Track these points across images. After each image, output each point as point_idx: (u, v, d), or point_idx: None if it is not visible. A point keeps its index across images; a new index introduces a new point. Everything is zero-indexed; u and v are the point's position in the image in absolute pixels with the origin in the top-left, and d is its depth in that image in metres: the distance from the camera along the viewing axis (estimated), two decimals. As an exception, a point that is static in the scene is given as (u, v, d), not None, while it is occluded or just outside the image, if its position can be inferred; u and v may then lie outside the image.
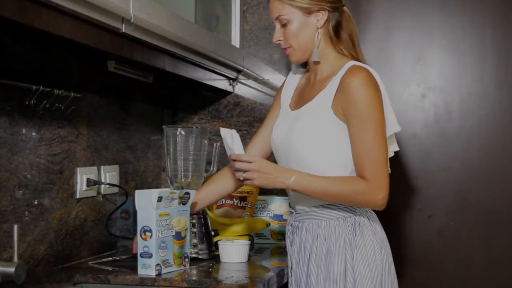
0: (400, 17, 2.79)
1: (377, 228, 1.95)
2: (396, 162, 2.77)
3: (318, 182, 1.85)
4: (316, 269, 1.91)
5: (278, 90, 2.18)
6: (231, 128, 1.95)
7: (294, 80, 2.11)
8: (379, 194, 1.84)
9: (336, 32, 1.96)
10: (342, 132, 1.89)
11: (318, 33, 1.94)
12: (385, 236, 1.98)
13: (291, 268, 2.00)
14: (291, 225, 2.02)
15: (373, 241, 1.91)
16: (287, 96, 2.08)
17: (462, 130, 2.74)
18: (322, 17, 1.93)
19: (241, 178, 1.87)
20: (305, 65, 2.09)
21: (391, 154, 1.98)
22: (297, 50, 1.96)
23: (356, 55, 1.98)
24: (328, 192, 1.86)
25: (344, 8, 1.98)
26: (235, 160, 1.87)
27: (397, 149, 2.03)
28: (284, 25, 1.94)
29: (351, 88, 1.85)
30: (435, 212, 2.75)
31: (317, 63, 1.97)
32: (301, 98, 2.01)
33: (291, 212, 2.03)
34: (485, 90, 2.73)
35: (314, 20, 1.93)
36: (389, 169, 1.92)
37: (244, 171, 1.85)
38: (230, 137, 1.90)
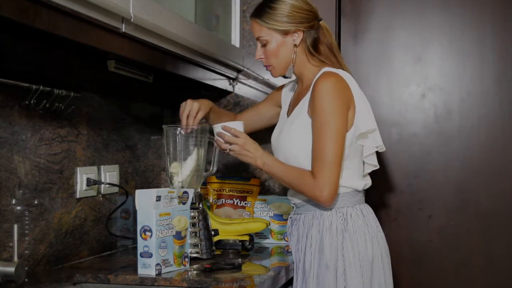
0: (400, 17, 2.79)
1: (371, 222, 2.10)
2: (397, 162, 2.78)
3: (279, 169, 2.08)
4: (310, 255, 2.09)
5: (277, 88, 2.41)
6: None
7: (291, 90, 2.31)
8: (322, 191, 1.99)
9: (315, 47, 2.12)
10: None
11: (295, 52, 2.11)
12: (380, 232, 2.12)
13: (293, 255, 2.19)
14: (290, 217, 2.22)
15: (364, 232, 2.06)
16: (285, 104, 2.28)
17: (462, 130, 2.74)
18: (298, 36, 2.10)
19: (227, 150, 2.10)
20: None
21: (373, 149, 2.12)
22: (277, 68, 2.15)
23: (338, 63, 2.14)
24: (283, 179, 2.09)
25: (321, 22, 2.14)
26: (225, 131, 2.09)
27: (380, 144, 2.13)
28: (264, 45, 2.12)
29: (317, 92, 2.02)
30: (435, 212, 2.76)
31: (299, 77, 2.17)
32: (292, 106, 2.20)
33: (292, 207, 2.23)
34: (485, 90, 2.73)
35: (291, 40, 2.11)
36: (375, 161, 2.12)
37: (230, 143, 2.09)
38: None
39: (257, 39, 2.14)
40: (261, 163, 2.08)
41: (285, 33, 2.09)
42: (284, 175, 2.07)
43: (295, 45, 2.10)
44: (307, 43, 2.11)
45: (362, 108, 2.07)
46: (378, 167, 2.15)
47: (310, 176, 2.01)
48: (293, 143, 2.10)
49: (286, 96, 2.31)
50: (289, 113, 2.21)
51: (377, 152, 2.15)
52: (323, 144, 1.99)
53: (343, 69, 2.12)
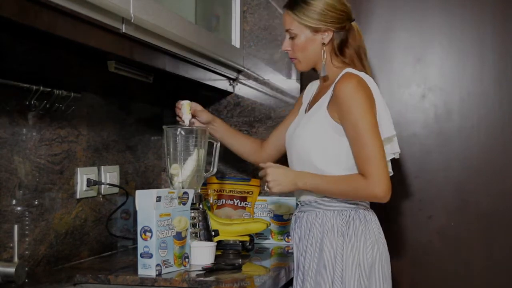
0: (400, 18, 2.79)
1: (373, 228, 2.07)
2: (396, 162, 2.78)
3: (322, 182, 2.01)
4: (310, 255, 2.07)
5: (299, 97, 2.39)
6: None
7: (313, 88, 2.28)
8: (379, 187, 1.96)
9: (340, 49, 2.10)
10: (335, 133, 2.03)
11: (324, 50, 2.09)
12: (382, 239, 2.10)
13: (294, 254, 2.17)
14: (294, 215, 2.19)
15: (365, 236, 2.04)
16: (305, 101, 2.26)
17: (462, 130, 2.74)
18: (327, 36, 2.08)
19: (265, 188, 2.02)
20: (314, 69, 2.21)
21: (390, 156, 2.10)
22: (303, 62, 2.13)
23: (361, 67, 2.11)
24: (332, 191, 2.02)
25: (353, 24, 2.11)
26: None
27: (398, 150, 2.12)
28: (292, 38, 2.09)
29: (342, 94, 1.99)
30: (435, 212, 2.76)
31: (325, 76, 2.12)
32: (311, 104, 2.18)
33: (297, 204, 2.19)
34: (485, 90, 2.73)
35: (320, 37, 2.08)
36: (390, 168, 2.07)
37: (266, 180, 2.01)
38: None
39: (286, 31, 2.11)
40: (302, 183, 2.01)
41: (316, 30, 2.07)
42: (331, 186, 2.01)
43: (323, 43, 2.08)
44: (334, 44, 2.09)
45: (383, 114, 2.05)
46: (392, 173, 2.09)
47: (361, 178, 1.97)
48: (306, 137, 2.06)
49: (307, 95, 2.29)
50: (307, 110, 2.19)
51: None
52: (362, 142, 1.96)
53: (366, 72, 2.09)
